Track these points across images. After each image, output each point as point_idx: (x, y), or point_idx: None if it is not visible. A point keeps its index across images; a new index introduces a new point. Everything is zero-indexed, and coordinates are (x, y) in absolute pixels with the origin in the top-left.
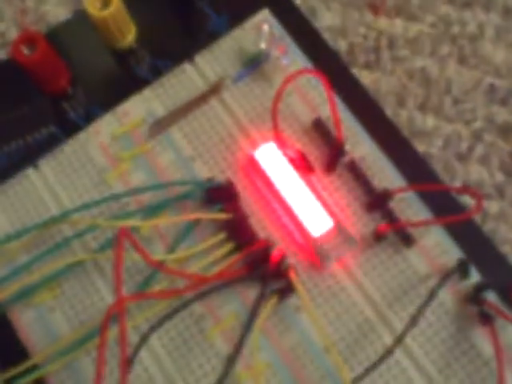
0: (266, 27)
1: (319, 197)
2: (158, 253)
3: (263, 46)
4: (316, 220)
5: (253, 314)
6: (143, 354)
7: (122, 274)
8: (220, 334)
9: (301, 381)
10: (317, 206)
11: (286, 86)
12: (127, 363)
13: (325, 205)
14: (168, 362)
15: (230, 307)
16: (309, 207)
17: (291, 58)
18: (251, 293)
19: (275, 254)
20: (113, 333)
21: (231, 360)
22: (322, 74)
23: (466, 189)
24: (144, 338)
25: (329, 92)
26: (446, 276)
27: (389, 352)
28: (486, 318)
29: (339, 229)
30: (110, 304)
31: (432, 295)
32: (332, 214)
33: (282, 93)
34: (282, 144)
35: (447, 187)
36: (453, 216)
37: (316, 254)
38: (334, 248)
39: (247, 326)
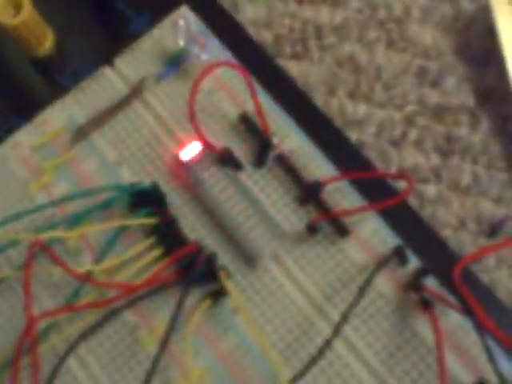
0: (182, 23)
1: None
2: (87, 264)
3: (181, 42)
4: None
5: (172, 319)
6: (77, 370)
7: (42, 289)
8: (155, 342)
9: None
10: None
11: (203, 79)
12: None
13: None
14: (104, 376)
15: (164, 314)
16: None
17: (212, 54)
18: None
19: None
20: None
21: (155, 362)
22: (240, 66)
23: (398, 174)
24: (62, 359)
25: (250, 85)
26: (381, 263)
27: (328, 343)
28: (426, 305)
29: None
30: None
31: (367, 283)
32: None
33: (198, 86)
34: (206, 142)
35: (378, 174)
36: (385, 201)
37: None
38: (267, 244)
39: (169, 332)
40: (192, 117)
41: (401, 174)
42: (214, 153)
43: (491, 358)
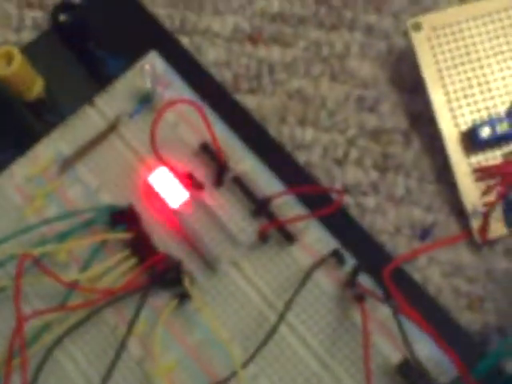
0: (147, 67)
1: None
2: (74, 274)
3: (148, 84)
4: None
5: (135, 314)
6: (63, 361)
7: (35, 298)
8: (133, 339)
9: (208, 372)
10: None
11: (164, 112)
12: None
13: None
14: (91, 370)
15: (141, 315)
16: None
17: (176, 92)
18: (159, 301)
19: (165, 261)
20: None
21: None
22: (193, 102)
23: (330, 188)
24: (49, 350)
25: (204, 118)
26: (319, 261)
27: (273, 329)
28: (359, 298)
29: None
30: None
31: (307, 277)
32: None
33: (161, 117)
34: (170, 166)
35: (317, 188)
36: (323, 210)
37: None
38: (226, 252)
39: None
40: (153, 143)
41: (332, 188)
42: (178, 176)
43: (405, 340)
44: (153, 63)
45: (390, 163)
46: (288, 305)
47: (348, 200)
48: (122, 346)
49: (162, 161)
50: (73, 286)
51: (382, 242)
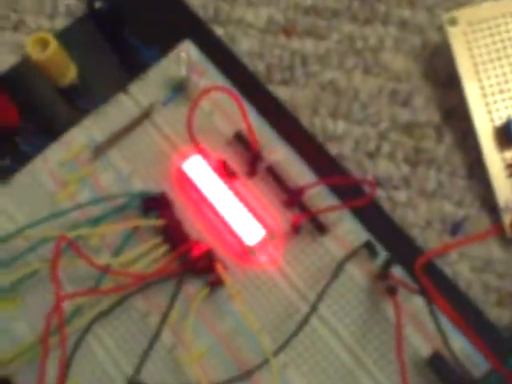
0: (183, 55)
1: (246, 204)
2: (106, 258)
3: (183, 72)
4: (248, 229)
5: (172, 301)
6: (96, 350)
7: (69, 280)
8: (165, 327)
9: (238, 360)
10: (247, 214)
11: (200, 100)
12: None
13: (253, 212)
14: (121, 356)
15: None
16: (239, 215)
17: (210, 80)
18: (191, 288)
19: (198, 248)
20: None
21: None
22: (230, 90)
23: (363, 179)
24: (82, 334)
25: (240, 106)
26: (352, 253)
27: (305, 320)
28: (391, 291)
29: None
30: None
31: (339, 268)
32: (259, 219)
33: (197, 105)
34: (204, 154)
35: (348, 179)
36: (355, 201)
37: (247, 254)
38: (260, 245)
39: (168, 311)
40: (190, 130)
41: (366, 180)
42: (212, 164)
43: (442, 334)
44: (188, 52)
45: (421, 157)
46: (320, 296)
47: (380, 193)
48: (157, 335)
49: (198, 149)
50: (106, 270)
51: (412, 236)
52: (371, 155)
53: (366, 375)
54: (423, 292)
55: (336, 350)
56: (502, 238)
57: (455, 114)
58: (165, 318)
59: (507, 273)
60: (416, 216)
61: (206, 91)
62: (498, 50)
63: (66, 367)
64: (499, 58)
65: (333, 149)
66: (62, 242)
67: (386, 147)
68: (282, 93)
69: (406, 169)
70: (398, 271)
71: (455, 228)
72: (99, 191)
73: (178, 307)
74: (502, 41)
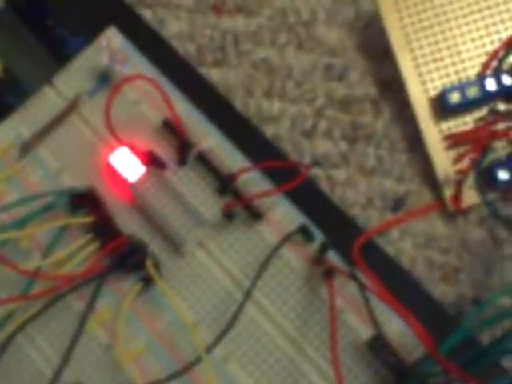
0: (104, 42)
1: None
2: (38, 260)
3: (105, 60)
4: None
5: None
6: (30, 352)
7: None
8: (99, 326)
9: (177, 357)
10: None
11: (120, 89)
12: None
13: None
14: (55, 355)
15: (106, 300)
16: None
17: (136, 68)
18: (125, 285)
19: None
20: None
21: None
22: (150, 78)
23: (297, 162)
24: (11, 335)
25: (162, 93)
26: (285, 238)
27: (240, 308)
28: (328, 275)
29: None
30: None
31: (272, 254)
32: None
33: (116, 94)
34: (131, 146)
35: (282, 163)
36: (287, 184)
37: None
38: (192, 232)
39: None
40: (108, 121)
41: (299, 162)
42: (140, 155)
43: (372, 316)
44: (110, 39)
45: (359, 133)
46: (254, 283)
47: (318, 173)
48: (81, 326)
49: (121, 140)
50: (34, 274)
51: (353, 216)
52: (308, 134)
53: (307, 362)
54: (355, 276)
55: (276, 339)
56: (444, 212)
57: (392, 87)
58: (88, 309)
59: (451, 247)
60: (356, 194)
61: (126, 80)
62: (429, 18)
63: None
64: (431, 26)
65: (269, 130)
66: None
67: (322, 125)
68: (214, 75)
69: (344, 146)
70: (333, 254)
71: (396, 204)
72: (28, 190)
73: (113, 306)
74: (434, 7)
